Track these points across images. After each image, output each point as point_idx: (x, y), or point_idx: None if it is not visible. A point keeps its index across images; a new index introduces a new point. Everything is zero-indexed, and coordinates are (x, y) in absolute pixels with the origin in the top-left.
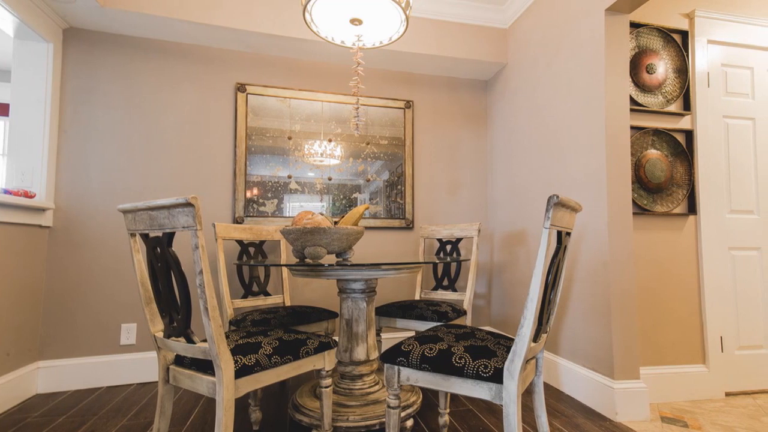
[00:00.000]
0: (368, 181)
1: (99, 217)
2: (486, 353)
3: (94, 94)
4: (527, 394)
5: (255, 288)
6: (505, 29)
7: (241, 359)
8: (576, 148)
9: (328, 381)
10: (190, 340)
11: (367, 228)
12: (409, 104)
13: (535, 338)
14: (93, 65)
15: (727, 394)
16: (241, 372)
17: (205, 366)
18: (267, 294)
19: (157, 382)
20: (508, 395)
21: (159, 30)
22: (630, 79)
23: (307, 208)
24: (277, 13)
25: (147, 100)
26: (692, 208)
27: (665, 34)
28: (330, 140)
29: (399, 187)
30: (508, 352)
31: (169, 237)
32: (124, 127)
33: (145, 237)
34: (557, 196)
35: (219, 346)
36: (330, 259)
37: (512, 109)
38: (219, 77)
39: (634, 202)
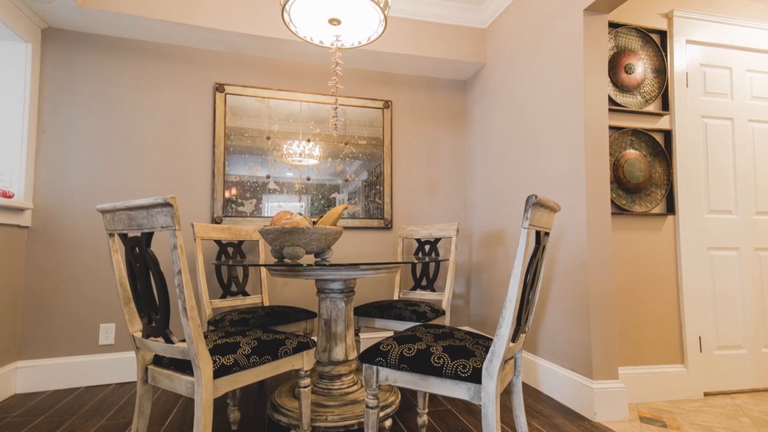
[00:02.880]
0: (347, 181)
1: (78, 217)
2: (464, 353)
3: (72, 94)
4: (506, 394)
5: (234, 288)
6: (483, 29)
7: (219, 359)
8: (555, 148)
9: (307, 381)
10: (168, 340)
11: (346, 228)
12: (387, 104)
13: (514, 338)
14: (72, 65)
15: (706, 394)
16: (219, 372)
17: (184, 366)
18: (246, 294)
19: (135, 382)
20: (487, 395)
21: (138, 30)
22: (608, 79)
23: (285, 208)
24: (255, 13)
25: (125, 100)
26: (671, 208)
27: (644, 34)
28: (309, 140)
29: (378, 187)
30: (486, 352)
31: (148, 237)
32: (103, 127)
33: (123, 237)
34: (536, 196)
35: (198, 346)
36: (309, 259)
37: (491, 109)
38: (198, 77)
39: (612, 202)
